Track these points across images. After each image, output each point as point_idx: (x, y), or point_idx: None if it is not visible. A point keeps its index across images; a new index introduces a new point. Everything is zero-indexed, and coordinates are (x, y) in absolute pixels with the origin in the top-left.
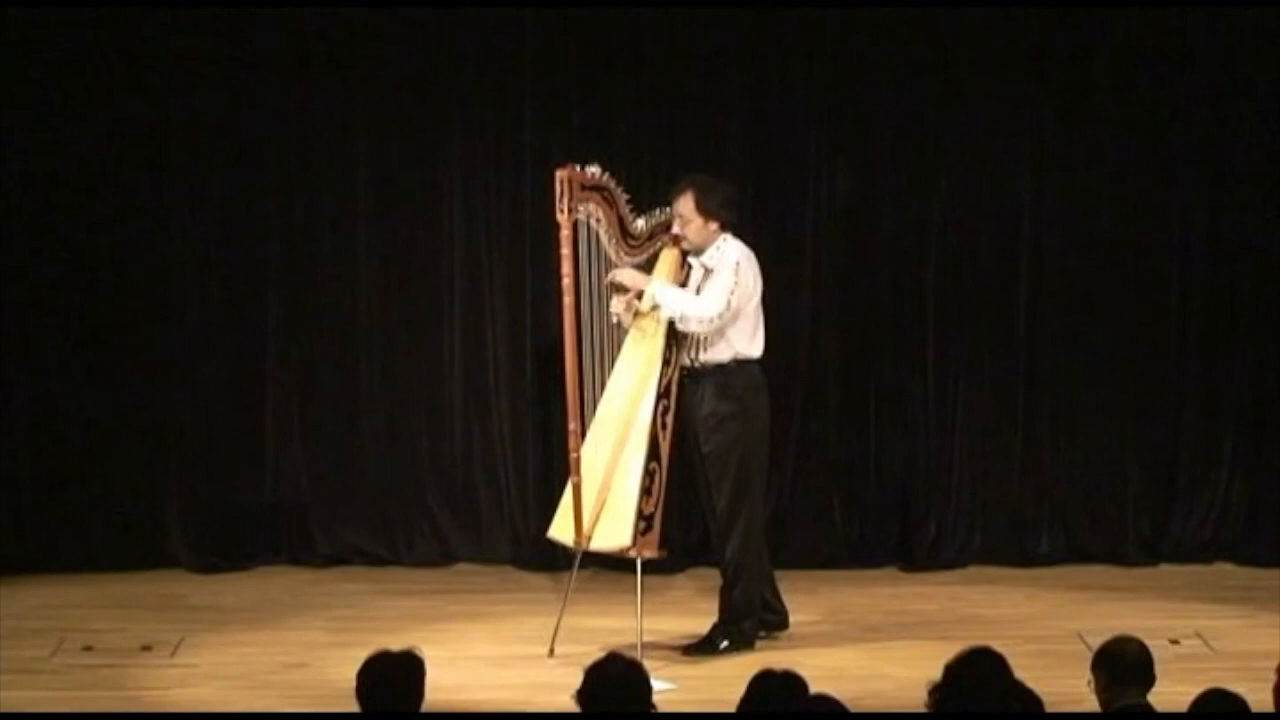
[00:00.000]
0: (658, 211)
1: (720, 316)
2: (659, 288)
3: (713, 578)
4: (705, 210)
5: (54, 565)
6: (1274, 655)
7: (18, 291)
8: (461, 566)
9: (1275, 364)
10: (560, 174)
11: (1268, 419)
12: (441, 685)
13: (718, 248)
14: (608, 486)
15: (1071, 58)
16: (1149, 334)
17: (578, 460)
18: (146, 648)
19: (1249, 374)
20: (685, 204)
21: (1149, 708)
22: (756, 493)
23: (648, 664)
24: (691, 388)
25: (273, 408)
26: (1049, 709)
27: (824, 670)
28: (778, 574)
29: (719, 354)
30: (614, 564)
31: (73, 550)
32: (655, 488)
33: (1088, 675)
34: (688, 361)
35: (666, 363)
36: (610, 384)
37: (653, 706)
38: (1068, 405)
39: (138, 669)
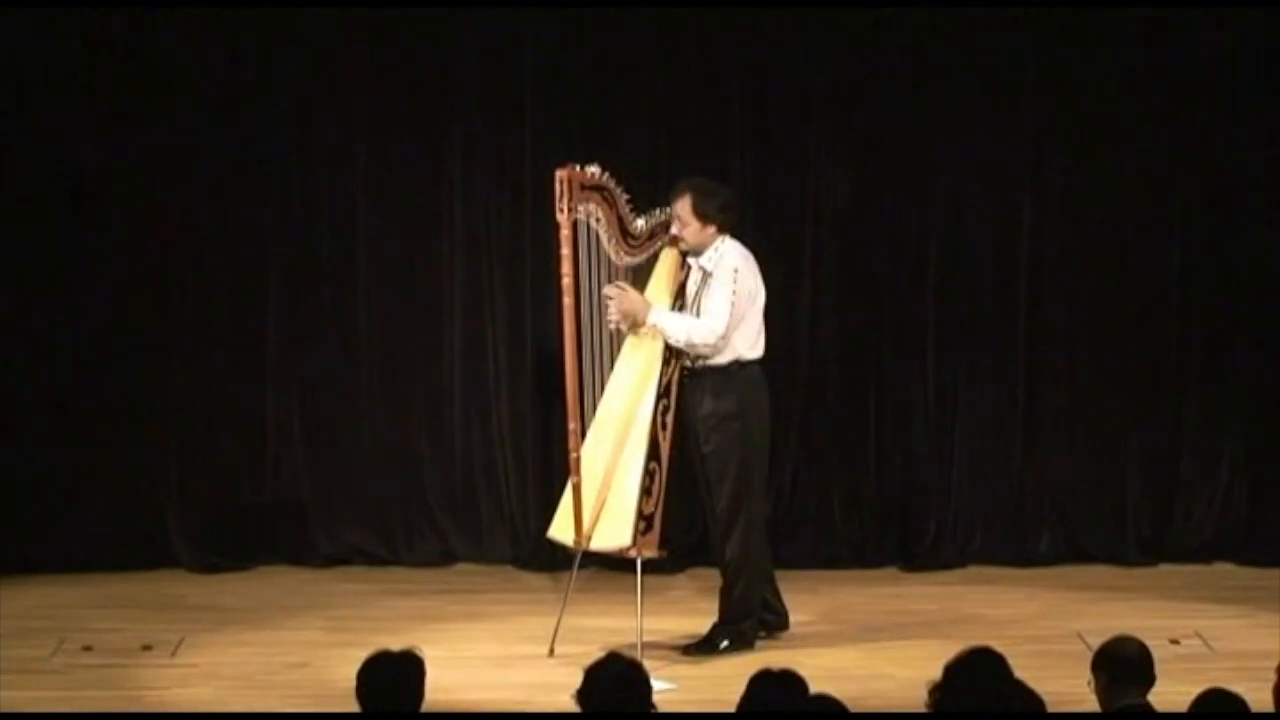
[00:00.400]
0: (657, 211)
1: (724, 334)
2: (659, 317)
3: (713, 578)
4: (703, 214)
5: (54, 565)
6: (1274, 655)
7: (17, 291)
8: (461, 566)
9: (1275, 364)
10: (560, 174)
11: (1268, 419)
12: (441, 685)
13: (716, 250)
14: (608, 486)
15: (1071, 58)
16: (1149, 334)
17: (578, 460)
18: (146, 648)
19: (1249, 374)
20: (683, 207)
21: (1149, 708)
22: (757, 492)
23: (648, 664)
24: (691, 387)
25: (273, 408)
26: (1049, 709)
27: (824, 670)
28: (778, 574)
29: (719, 356)
30: (614, 564)
31: (73, 550)
32: (655, 488)
33: (1088, 675)
34: (688, 363)
35: (666, 362)
36: (610, 384)
37: (653, 706)
38: (1068, 405)
39: (138, 669)
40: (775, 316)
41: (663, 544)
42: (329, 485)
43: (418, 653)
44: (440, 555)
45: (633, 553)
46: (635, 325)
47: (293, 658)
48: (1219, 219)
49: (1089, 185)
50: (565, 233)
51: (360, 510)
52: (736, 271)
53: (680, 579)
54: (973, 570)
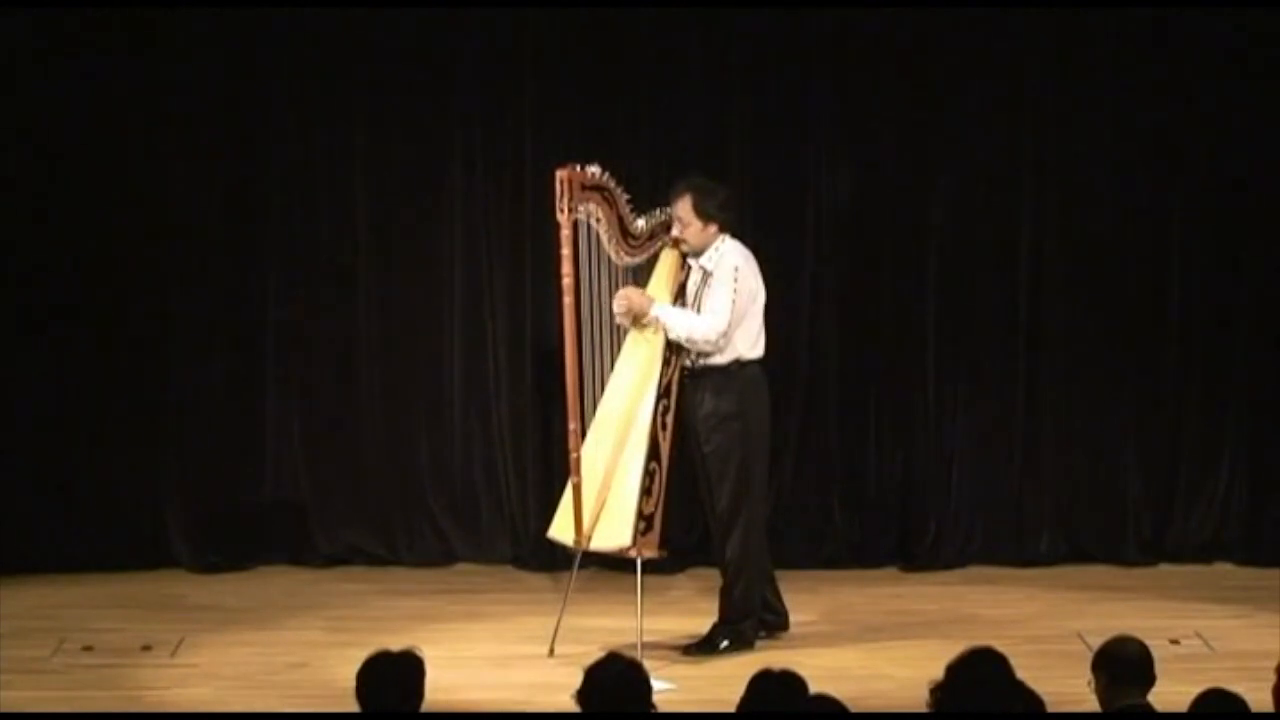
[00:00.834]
0: (658, 211)
1: (726, 332)
2: (661, 311)
3: (713, 578)
4: (703, 213)
5: (54, 565)
6: (1274, 655)
7: (17, 292)
8: (461, 566)
9: (1275, 364)
10: (560, 174)
11: (1268, 419)
12: (441, 685)
13: (716, 249)
14: (608, 486)
15: (1072, 58)
16: (1149, 335)
17: (578, 460)
18: (146, 648)
19: (1249, 374)
20: (683, 207)
21: (1149, 708)
22: (757, 492)
23: (648, 664)
24: (692, 388)
25: (273, 408)
26: (1049, 709)
27: (824, 670)
28: (778, 574)
29: (719, 357)
30: (614, 564)
31: (73, 550)
32: (655, 488)
33: (1088, 675)
34: (688, 363)
35: (667, 363)
36: (610, 384)
37: (653, 706)
38: (1068, 405)
39: (138, 669)
40: (775, 316)
41: (663, 544)
42: (329, 485)
43: (418, 653)
44: (440, 555)
45: (633, 553)
46: (639, 319)
47: (293, 658)
48: (1219, 219)
49: (1089, 185)
50: (566, 233)
51: (360, 510)
52: (737, 270)
53: (680, 579)
54: (973, 570)
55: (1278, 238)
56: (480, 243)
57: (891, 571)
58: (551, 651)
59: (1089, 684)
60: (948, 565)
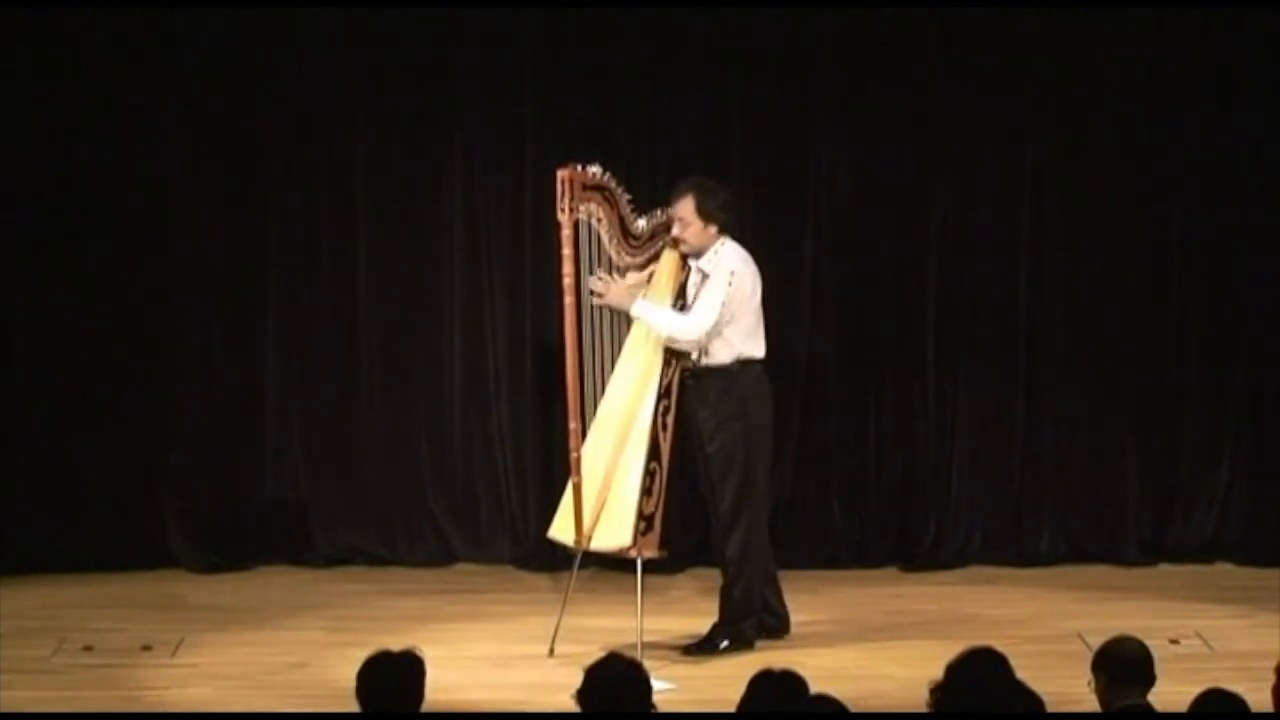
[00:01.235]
0: (658, 212)
1: (709, 332)
2: (644, 310)
3: (713, 578)
4: (705, 213)
5: (54, 565)
6: (1274, 655)
7: (17, 292)
8: (461, 566)
9: (1275, 364)
10: (561, 173)
11: (1268, 419)
12: (441, 685)
13: (715, 252)
14: (608, 486)
15: (1072, 59)
16: (1149, 334)
17: (578, 460)
18: (146, 648)
19: (1249, 374)
20: (685, 207)
21: (1149, 708)
22: (760, 492)
23: (648, 664)
24: (694, 388)
25: (273, 408)
26: (1049, 709)
27: (824, 670)
28: (778, 574)
29: (720, 356)
30: (614, 564)
31: (73, 550)
32: (656, 488)
33: (1088, 675)
34: (690, 363)
35: (667, 363)
36: (611, 384)
37: (653, 706)
38: (1068, 405)
39: (138, 669)
40: (775, 316)
41: (663, 544)
42: (329, 485)
43: (418, 653)
44: (440, 555)
45: (633, 553)
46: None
47: (293, 658)
48: (1219, 219)
49: (1090, 185)
50: (566, 232)
51: (360, 510)
52: (733, 274)
53: (680, 579)
54: (973, 570)
55: (1278, 238)
56: (480, 243)
57: (891, 571)
58: (551, 651)
59: (1089, 684)
60: (948, 565)
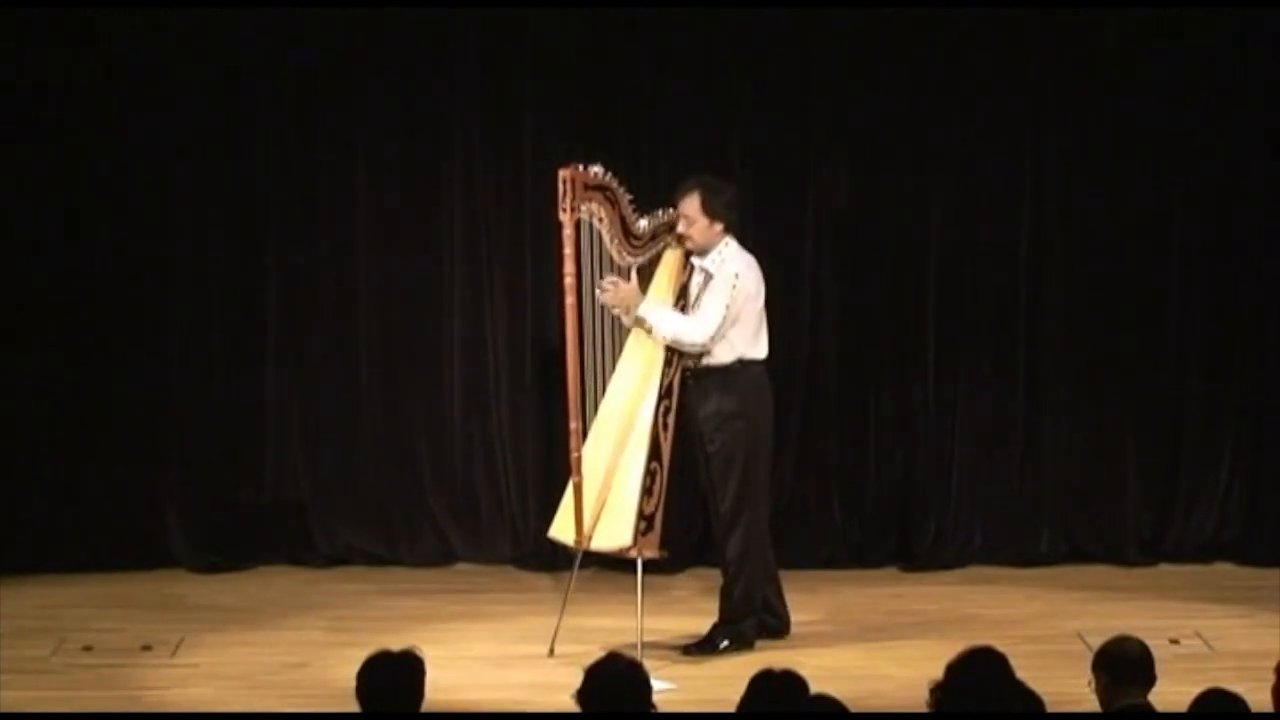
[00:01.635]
0: (660, 212)
1: (713, 336)
2: (649, 312)
3: (713, 578)
4: (711, 211)
5: (54, 565)
6: (1274, 655)
7: (17, 291)
8: (461, 566)
9: (1275, 364)
10: (563, 173)
11: (1268, 419)
12: (441, 685)
13: (719, 252)
14: (608, 486)
15: (1071, 59)
16: (1149, 335)
17: (579, 460)
18: (146, 648)
19: (1249, 374)
20: (691, 205)
21: (1149, 707)
22: (760, 492)
23: (648, 664)
24: (695, 388)
25: (273, 408)
26: (1049, 709)
27: (824, 670)
28: (778, 573)
29: (721, 356)
30: (614, 564)
31: (73, 550)
32: (656, 488)
33: (1088, 675)
34: (690, 363)
35: (668, 363)
36: (612, 384)
37: (653, 706)
38: (1068, 405)
39: (138, 669)
40: (775, 316)
41: (663, 544)
42: (329, 485)
43: (418, 653)
44: (440, 555)
45: (633, 553)
46: (627, 312)
47: (293, 658)
48: (1219, 221)
49: (1090, 185)
50: (568, 232)
51: (360, 510)
52: (737, 277)
53: (681, 579)
54: (973, 570)
55: (1278, 238)
56: (480, 242)
57: (891, 571)
58: (551, 651)
59: (1089, 684)
60: (948, 565)
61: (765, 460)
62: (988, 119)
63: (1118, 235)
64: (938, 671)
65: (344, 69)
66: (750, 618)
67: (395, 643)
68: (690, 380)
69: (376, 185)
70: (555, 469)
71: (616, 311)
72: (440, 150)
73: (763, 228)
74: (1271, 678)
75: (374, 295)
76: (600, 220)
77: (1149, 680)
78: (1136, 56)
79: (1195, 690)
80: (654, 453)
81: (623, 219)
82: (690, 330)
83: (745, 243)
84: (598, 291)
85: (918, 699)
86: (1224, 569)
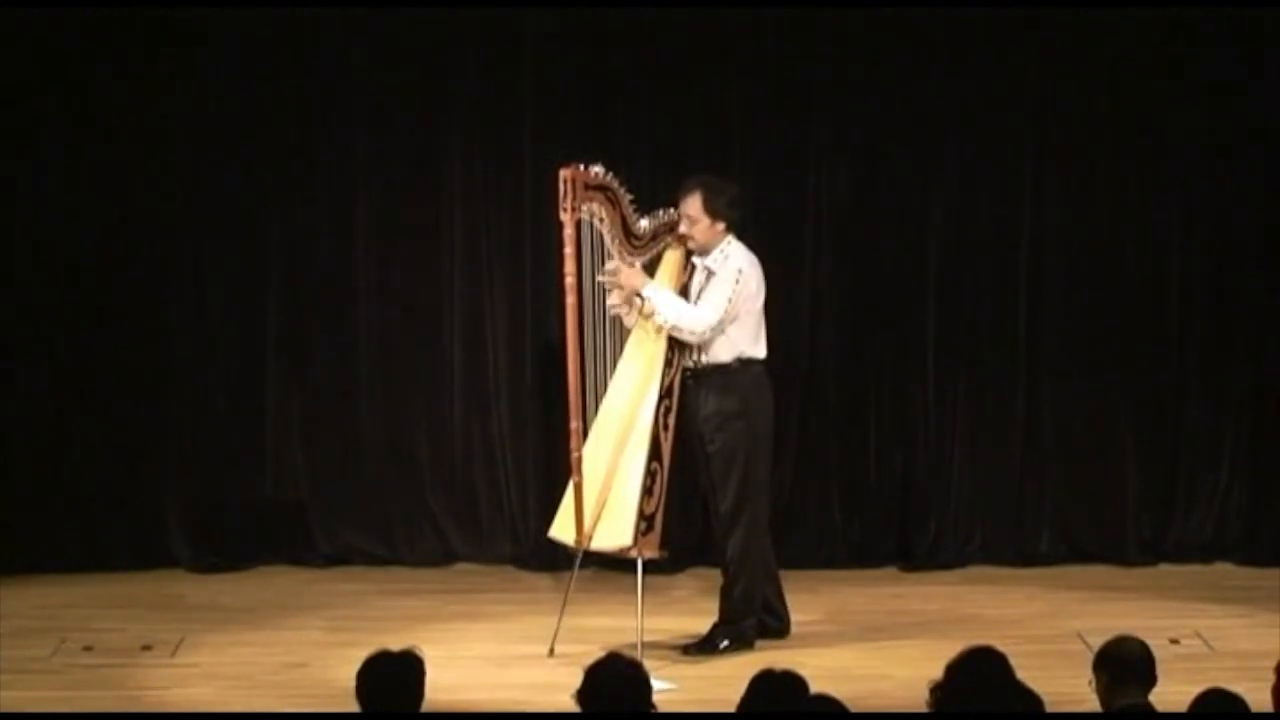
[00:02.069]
0: (661, 212)
1: (714, 328)
2: (654, 292)
3: (714, 577)
4: (713, 210)
5: (54, 565)
6: (1274, 655)
7: (17, 291)
8: (461, 566)
9: (1275, 364)
10: (564, 173)
11: (1268, 419)
12: (441, 685)
13: (722, 251)
14: (609, 486)
15: (1072, 59)
16: (1149, 334)
17: (579, 460)
18: (146, 648)
19: (1249, 374)
20: (693, 204)
21: (1150, 707)
22: (760, 492)
23: (648, 664)
24: (695, 387)
25: (273, 408)
26: (1049, 709)
27: (824, 670)
28: (779, 573)
29: (721, 355)
30: (615, 564)
31: (73, 550)
32: (657, 488)
33: (1088, 675)
34: (690, 363)
35: (669, 363)
36: (612, 384)
37: (653, 706)
38: (1068, 405)
39: (138, 669)
40: (775, 316)
41: (663, 544)
42: (329, 485)
43: (418, 653)
44: (440, 555)
45: (633, 553)
46: (627, 293)
47: (293, 658)
48: (1219, 220)
49: (1090, 185)
50: (569, 232)
51: (360, 510)
52: (740, 273)
53: (681, 579)
54: (973, 570)
55: (1278, 238)
56: (480, 243)
57: (891, 571)
58: (551, 651)
59: (1089, 684)
60: (948, 565)
61: (765, 460)
62: (988, 119)
63: (1117, 235)
64: (938, 671)
65: (344, 69)
66: (750, 618)
67: (395, 643)
68: (690, 380)
69: (376, 185)
70: (555, 469)
71: (617, 311)
72: (440, 150)
73: (763, 228)
74: (1271, 678)
75: (374, 295)
76: (601, 220)
77: (1149, 680)
78: (1137, 56)
79: (1195, 690)
80: (654, 453)
81: (624, 219)
82: (692, 318)
83: (745, 241)
84: (600, 277)
85: (918, 699)
86: (1224, 569)
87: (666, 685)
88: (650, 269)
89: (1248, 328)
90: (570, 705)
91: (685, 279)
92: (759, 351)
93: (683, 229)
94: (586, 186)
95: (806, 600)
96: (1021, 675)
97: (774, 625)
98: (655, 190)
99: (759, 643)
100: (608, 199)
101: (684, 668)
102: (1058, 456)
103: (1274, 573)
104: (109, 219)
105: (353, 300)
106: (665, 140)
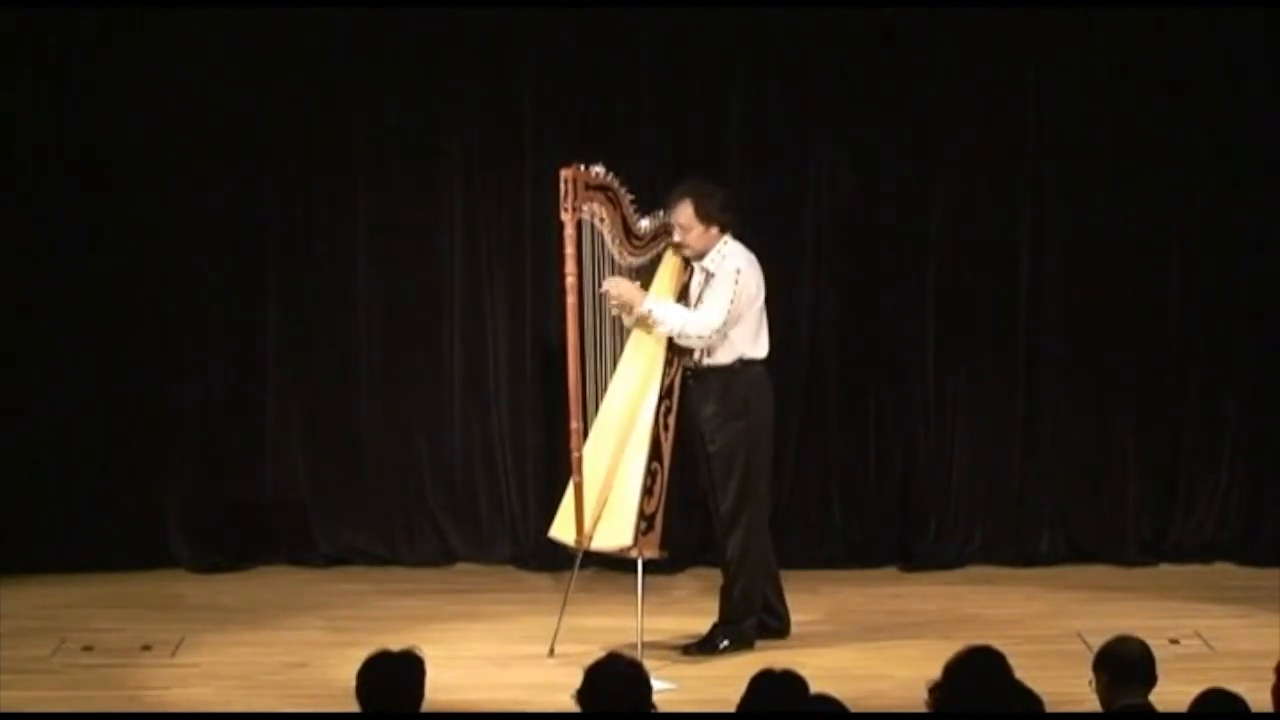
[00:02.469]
0: (661, 212)
1: (719, 330)
2: (655, 305)
3: (714, 577)
4: (705, 215)
5: (54, 565)
6: (1274, 655)
7: (17, 291)
8: (461, 566)
9: (1275, 364)
10: (565, 173)
11: (1267, 419)
12: (441, 685)
13: (719, 252)
14: (609, 486)
15: (1072, 59)
16: (1149, 335)
17: (579, 460)
18: (146, 648)
19: (1248, 374)
20: (684, 213)
21: (1150, 707)
22: (761, 492)
23: (648, 664)
24: (696, 387)
25: (273, 408)
26: (1049, 709)
27: (824, 670)
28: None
29: (722, 356)
30: (615, 564)
31: (73, 550)
32: (657, 488)
33: (1088, 675)
34: (691, 363)
35: (669, 363)
36: (613, 384)
37: (653, 706)
38: (1068, 405)
39: (138, 669)
40: (775, 316)
41: (664, 544)
42: (329, 485)
43: (418, 653)
44: (440, 555)
45: (634, 553)
46: (630, 312)
47: (293, 658)
48: (1219, 220)
49: (1090, 185)
50: (569, 232)
51: (360, 510)
52: (739, 273)
53: (681, 579)
54: (973, 570)
55: (1277, 238)
56: (480, 243)
57: (891, 571)
58: (551, 651)
59: (1089, 684)
60: (948, 565)
61: (766, 460)
62: (988, 119)
63: (1118, 236)
64: (937, 671)
65: (344, 69)
66: (750, 617)
67: (395, 643)
68: (691, 380)
69: (376, 186)
70: (555, 469)
71: (618, 311)
72: (440, 151)
73: (763, 228)
74: (1271, 678)
75: (374, 295)
76: (602, 220)
77: (1149, 680)
78: (1137, 56)
79: (1195, 690)
80: (655, 453)
81: (624, 219)
82: (695, 324)
83: (744, 241)
84: (606, 282)
85: (918, 699)
86: (1224, 569)
87: (666, 685)
88: (651, 269)
89: (1247, 328)
90: (570, 705)
91: (686, 279)
92: (759, 351)
93: (676, 238)
94: (587, 186)
95: (806, 600)
96: (1021, 675)
97: (774, 625)
98: (655, 190)
99: (759, 643)
100: (608, 199)
101: (684, 668)
102: (1058, 456)
103: (1274, 573)
104: (108, 219)
105: (353, 300)
106: (665, 140)
